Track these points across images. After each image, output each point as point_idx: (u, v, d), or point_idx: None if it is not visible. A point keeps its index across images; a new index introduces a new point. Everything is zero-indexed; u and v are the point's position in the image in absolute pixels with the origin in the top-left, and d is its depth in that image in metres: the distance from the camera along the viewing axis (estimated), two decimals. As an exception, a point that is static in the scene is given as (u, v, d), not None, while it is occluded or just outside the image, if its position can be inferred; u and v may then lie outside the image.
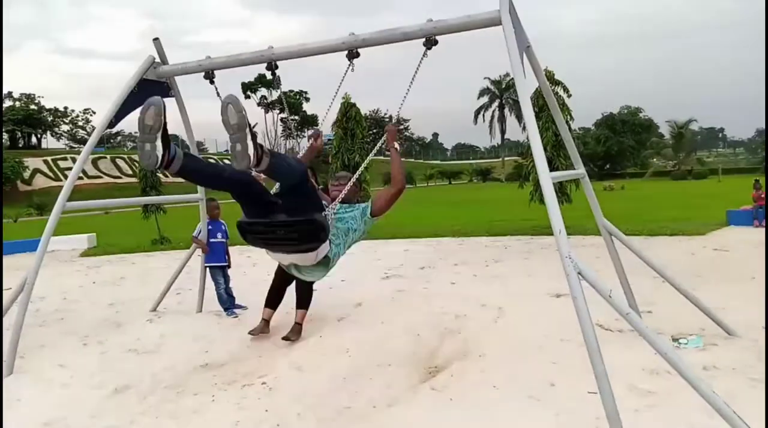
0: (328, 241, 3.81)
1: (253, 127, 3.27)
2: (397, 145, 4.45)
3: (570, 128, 14.24)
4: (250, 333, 5.87)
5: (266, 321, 5.99)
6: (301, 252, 3.83)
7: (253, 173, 3.51)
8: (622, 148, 64.60)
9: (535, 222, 14.20)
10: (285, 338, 5.74)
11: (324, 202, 4.14)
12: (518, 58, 4.09)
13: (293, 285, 6.10)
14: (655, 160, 63.61)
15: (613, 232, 5.40)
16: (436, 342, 5.47)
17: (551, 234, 11.74)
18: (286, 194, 3.68)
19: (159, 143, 3.12)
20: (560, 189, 13.23)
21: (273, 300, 6.12)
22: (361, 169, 4.93)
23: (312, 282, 5.89)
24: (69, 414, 4.27)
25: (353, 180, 4.44)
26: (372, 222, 4.31)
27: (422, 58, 4.49)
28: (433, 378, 4.63)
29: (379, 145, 4.70)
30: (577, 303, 3.22)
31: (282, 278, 6.09)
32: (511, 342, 5.28)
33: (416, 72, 4.49)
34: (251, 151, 3.09)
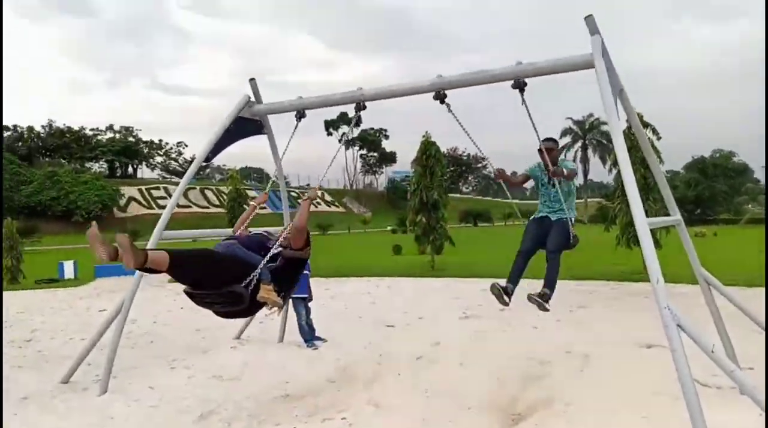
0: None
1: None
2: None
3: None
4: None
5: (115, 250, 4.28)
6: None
7: None
8: (714, 192, 61.42)
9: (622, 268, 13.65)
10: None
11: None
12: (612, 104, 4.03)
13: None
14: (750, 206, 60.05)
15: (711, 282, 5.12)
16: (519, 387, 5.31)
17: (639, 280, 11.24)
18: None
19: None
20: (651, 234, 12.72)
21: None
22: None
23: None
24: (158, 436, 4.43)
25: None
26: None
27: (524, 104, 4.55)
28: (516, 426, 4.49)
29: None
30: (676, 357, 3.06)
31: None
32: (598, 393, 5.04)
33: (529, 116, 4.56)
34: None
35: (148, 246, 5.70)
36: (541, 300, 5.05)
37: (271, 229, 5.24)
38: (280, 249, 4.54)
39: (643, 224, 3.45)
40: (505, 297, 5.19)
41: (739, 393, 3.86)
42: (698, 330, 3.17)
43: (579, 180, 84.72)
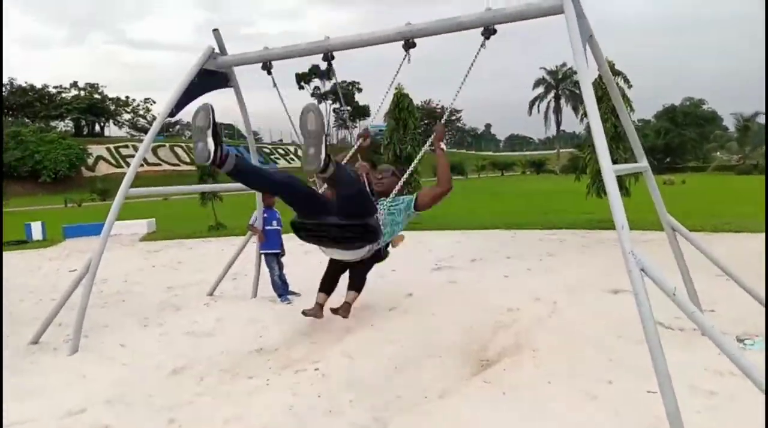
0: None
1: (327, 135, 3.51)
2: (443, 146, 4.50)
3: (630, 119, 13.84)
4: (303, 312, 5.80)
5: (320, 306, 5.94)
6: (352, 249, 4.20)
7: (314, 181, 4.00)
8: (684, 140, 62.39)
9: (592, 216, 13.87)
10: (334, 311, 5.67)
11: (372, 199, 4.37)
12: (581, 48, 3.98)
13: (347, 272, 6.13)
14: (718, 153, 61.23)
15: (676, 228, 5.21)
16: (489, 334, 5.41)
17: (608, 228, 11.43)
18: (344, 203, 3.91)
19: (210, 140, 3.47)
20: (618, 182, 12.88)
21: (327, 285, 6.09)
22: (411, 168, 4.96)
23: (366, 272, 5.90)
24: (129, 392, 4.43)
25: (402, 180, 4.63)
26: (414, 216, 4.57)
27: (480, 49, 4.42)
28: (486, 371, 4.58)
29: (427, 145, 4.70)
30: (639, 300, 3.13)
31: (336, 265, 6.08)
32: (566, 338, 5.17)
33: (473, 63, 4.43)
34: (323, 156, 3.34)
35: (114, 204, 5.59)
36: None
37: None
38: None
39: (608, 171, 3.46)
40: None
41: (701, 334, 3.97)
42: (661, 274, 3.22)
43: (552, 130, 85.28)
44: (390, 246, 5.50)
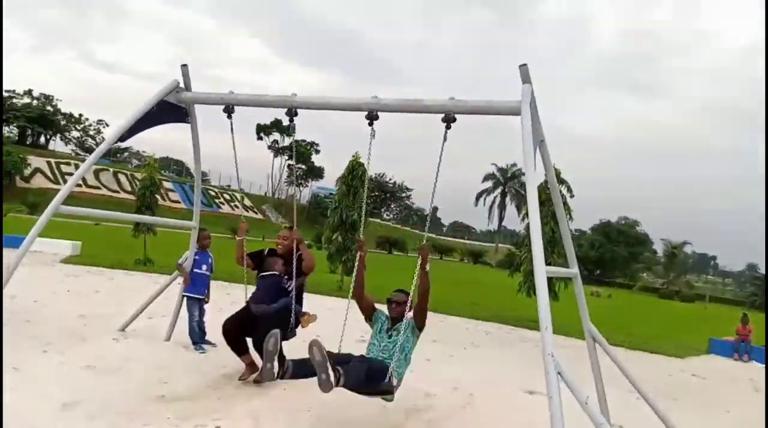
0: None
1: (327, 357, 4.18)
2: (428, 267, 4.90)
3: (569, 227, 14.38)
4: (240, 379, 5.81)
5: (251, 364, 5.88)
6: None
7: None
8: (615, 256, 65.04)
9: (519, 314, 14.10)
10: (255, 381, 5.69)
11: None
12: (531, 151, 4.17)
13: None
14: (645, 274, 63.97)
15: (597, 339, 5.34)
16: (402, 418, 5.32)
17: (533, 328, 11.61)
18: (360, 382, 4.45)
19: (276, 363, 4.48)
20: (549, 285, 13.20)
21: (241, 348, 5.93)
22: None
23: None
24: (9, 422, 4.08)
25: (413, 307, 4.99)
26: (419, 334, 5.09)
27: (445, 137, 4.65)
28: (391, 454, 4.47)
29: (418, 265, 4.89)
30: (551, 404, 3.15)
31: (235, 333, 5.89)
32: (476, 431, 5.12)
33: (441, 154, 4.68)
34: (332, 379, 4.09)
35: (41, 218, 5.34)
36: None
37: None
38: (291, 283, 5.79)
39: (541, 272, 3.56)
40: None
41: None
42: (576, 381, 3.27)
43: (494, 224, 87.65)
44: (299, 324, 5.85)
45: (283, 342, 5.26)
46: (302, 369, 4.49)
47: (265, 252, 6.16)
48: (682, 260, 61.35)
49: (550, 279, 13.57)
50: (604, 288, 47.19)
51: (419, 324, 5.00)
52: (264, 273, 5.98)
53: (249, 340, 5.90)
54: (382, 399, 4.73)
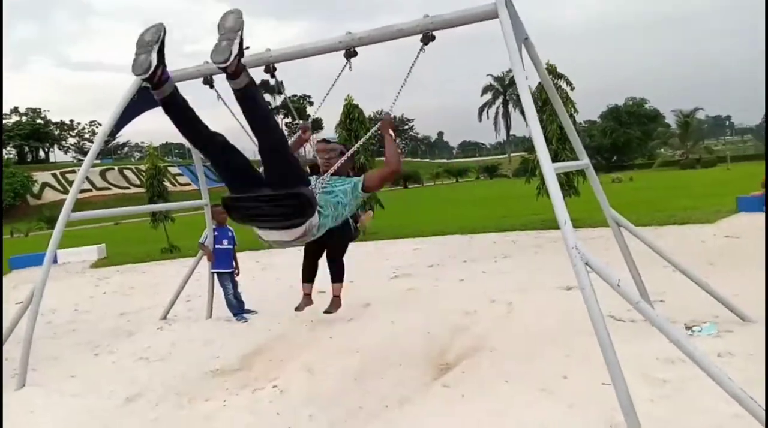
0: (316, 214, 3.60)
1: (246, 47, 3.18)
2: (391, 132, 4.27)
3: (574, 121, 14.14)
4: (296, 309, 5.65)
5: (308, 295, 5.77)
6: (287, 227, 3.62)
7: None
8: (629, 139, 64.20)
9: (544, 216, 14.11)
10: (326, 311, 5.68)
11: (311, 177, 4.04)
12: (516, 51, 4.04)
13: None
14: (662, 150, 63.24)
15: (621, 223, 5.33)
16: (447, 339, 5.43)
17: (559, 227, 11.54)
18: (269, 166, 3.49)
19: (155, 55, 3.07)
20: (567, 181, 13.16)
21: (308, 274, 5.85)
22: (358, 144, 4.82)
23: (341, 256, 5.75)
24: (81, 424, 4.27)
25: (347, 154, 4.33)
26: (361, 198, 4.13)
27: (419, 53, 4.44)
28: (445, 375, 4.60)
29: (374, 129, 4.54)
30: (585, 294, 3.18)
31: (313, 252, 5.77)
32: (522, 337, 5.23)
33: (412, 67, 4.44)
34: (235, 49, 3.01)
35: (55, 230, 5.41)
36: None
37: None
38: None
39: (548, 170, 3.51)
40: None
41: (650, 324, 4.06)
42: (605, 267, 3.28)
43: (502, 135, 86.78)
44: (358, 224, 5.60)
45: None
46: (185, 102, 3.54)
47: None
48: (696, 127, 60.31)
49: (567, 175, 13.56)
50: (624, 172, 46.90)
51: (368, 183, 4.07)
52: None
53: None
54: (299, 235, 3.64)
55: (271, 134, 3.44)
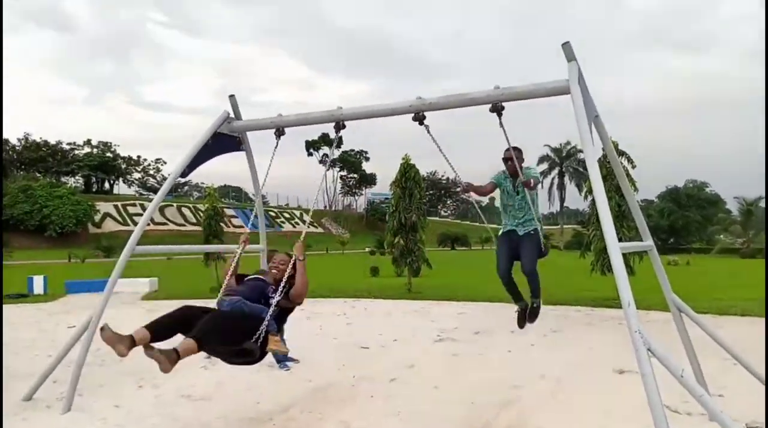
0: None
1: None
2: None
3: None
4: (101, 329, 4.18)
5: (132, 340, 4.22)
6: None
7: None
8: (688, 222, 62.56)
9: (597, 294, 13.76)
10: (148, 348, 4.19)
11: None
12: (587, 127, 4.10)
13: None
14: (722, 236, 61.16)
15: (682, 309, 5.18)
16: (492, 411, 5.28)
17: (613, 306, 11.36)
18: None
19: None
20: (624, 260, 12.85)
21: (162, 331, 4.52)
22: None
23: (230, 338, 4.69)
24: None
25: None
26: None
27: (501, 127, 4.60)
28: (487, 450, 4.45)
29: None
30: (645, 381, 3.08)
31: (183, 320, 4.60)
32: (570, 418, 5.04)
33: (507, 139, 4.70)
34: None
35: (119, 261, 5.62)
36: (535, 310, 6.03)
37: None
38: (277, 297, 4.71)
39: (615, 248, 3.48)
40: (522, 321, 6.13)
41: (708, 419, 3.87)
42: (668, 355, 3.18)
43: (556, 206, 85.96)
44: (267, 347, 4.64)
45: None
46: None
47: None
48: (759, 216, 58.26)
49: (624, 255, 13.25)
50: (680, 255, 45.46)
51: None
52: (250, 276, 5.17)
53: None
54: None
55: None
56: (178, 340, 4.17)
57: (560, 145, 78.83)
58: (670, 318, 5.39)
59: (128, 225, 55.75)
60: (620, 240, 11.59)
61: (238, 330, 4.40)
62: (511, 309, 12.44)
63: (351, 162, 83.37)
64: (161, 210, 59.95)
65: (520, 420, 5.01)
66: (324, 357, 7.55)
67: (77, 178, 68.92)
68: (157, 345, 4.14)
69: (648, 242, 5.14)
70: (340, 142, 5.70)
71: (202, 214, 19.06)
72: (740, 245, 54.87)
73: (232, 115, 6.17)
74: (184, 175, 6.15)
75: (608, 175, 11.05)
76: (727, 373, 5.94)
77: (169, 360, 3.89)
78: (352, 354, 7.87)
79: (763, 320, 10.68)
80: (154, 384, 6.34)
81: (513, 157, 5.18)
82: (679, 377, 3.10)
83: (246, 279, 5.14)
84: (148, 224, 6.69)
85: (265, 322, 4.46)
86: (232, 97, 6.25)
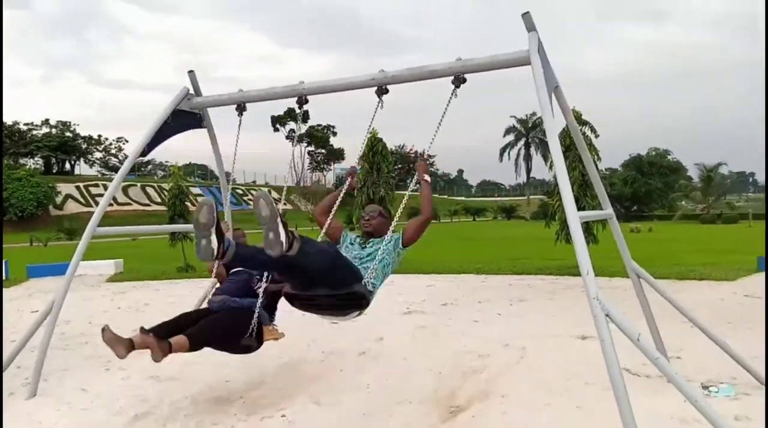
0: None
1: (284, 216, 3.46)
2: (427, 178, 4.56)
3: (597, 168, 14.15)
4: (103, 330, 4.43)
5: (132, 343, 4.33)
6: (344, 315, 4.11)
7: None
8: (650, 189, 63.90)
9: (561, 262, 14.03)
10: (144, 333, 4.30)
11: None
12: (547, 98, 4.12)
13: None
14: (683, 202, 62.74)
15: (641, 275, 5.30)
16: (458, 381, 5.38)
17: (577, 274, 11.55)
18: (324, 280, 3.75)
19: (214, 238, 3.32)
20: (587, 229, 13.10)
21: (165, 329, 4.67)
22: (400, 208, 4.68)
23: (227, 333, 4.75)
24: (89, 439, 4.28)
25: (394, 222, 4.47)
26: (404, 253, 4.41)
27: (451, 97, 4.53)
28: (454, 418, 4.55)
29: (414, 182, 4.63)
30: (604, 346, 3.16)
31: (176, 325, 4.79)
32: (534, 384, 5.17)
33: (446, 110, 4.53)
34: (283, 238, 3.27)
35: (80, 243, 5.52)
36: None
37: None
38: (264, 285, 4.84)
39: (574, 217, 3.54)
40: None
41: (666, 381, 4.01)
42: (626, 320, 3.27)
43: (522, 177, 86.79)
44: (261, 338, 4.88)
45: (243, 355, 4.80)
46: (247, 250, 3.75)
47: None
48: (719, 182, 59.83)
49: (586, 223, 13.54)
50: (643, 222, 46.54)
51: (407, 237, 4.34)
52: (235, 270, 5.32)
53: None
54: (355, 316, 4.11)
55: (324, 264, 3.67)
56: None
57: (526, 115, 79.25)
58: (631, 285, 5.52)
59: (91, 206, 54.46)
60: (584, 208, 11.85)
61: (230, 332, 4.61)
62: (478, 280, 12.67)
63: (318, 137, 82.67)
64: (124, 190, 58.72)
65: (486, 389, 5.12)
66: (293, 333, 7.51)
67: (36, 159, 66.86)
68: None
69: (607, 210, 5.23)
70: (305, 116, 5.62)
71: (166, 194, 18.72)
72: (700, 211, 56.39)
73: (192, 91, 6.04)
74: (144, 154, 6.01)
75: (571, 145, 11.18)
76: (685, 336, 6.13)
77: (162, 350, 4.11)
78: (321, 329, 7.88)
79: (721, 283, 11.07)
80: (120, 366, 6.27)
81: (376, 212, 4.63)
82: (635, 341, 3.20)
83: (231, 271, 5.35)
84: (111, 204, 6.57)
85: (255, 316, 4.66)
86: (191, 72, 6.11)
